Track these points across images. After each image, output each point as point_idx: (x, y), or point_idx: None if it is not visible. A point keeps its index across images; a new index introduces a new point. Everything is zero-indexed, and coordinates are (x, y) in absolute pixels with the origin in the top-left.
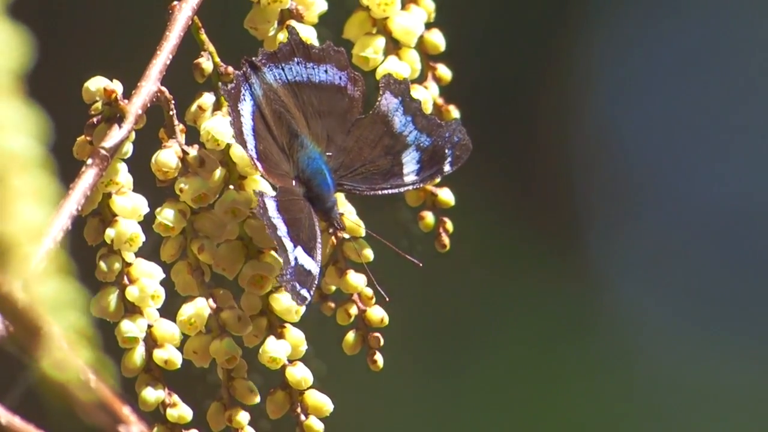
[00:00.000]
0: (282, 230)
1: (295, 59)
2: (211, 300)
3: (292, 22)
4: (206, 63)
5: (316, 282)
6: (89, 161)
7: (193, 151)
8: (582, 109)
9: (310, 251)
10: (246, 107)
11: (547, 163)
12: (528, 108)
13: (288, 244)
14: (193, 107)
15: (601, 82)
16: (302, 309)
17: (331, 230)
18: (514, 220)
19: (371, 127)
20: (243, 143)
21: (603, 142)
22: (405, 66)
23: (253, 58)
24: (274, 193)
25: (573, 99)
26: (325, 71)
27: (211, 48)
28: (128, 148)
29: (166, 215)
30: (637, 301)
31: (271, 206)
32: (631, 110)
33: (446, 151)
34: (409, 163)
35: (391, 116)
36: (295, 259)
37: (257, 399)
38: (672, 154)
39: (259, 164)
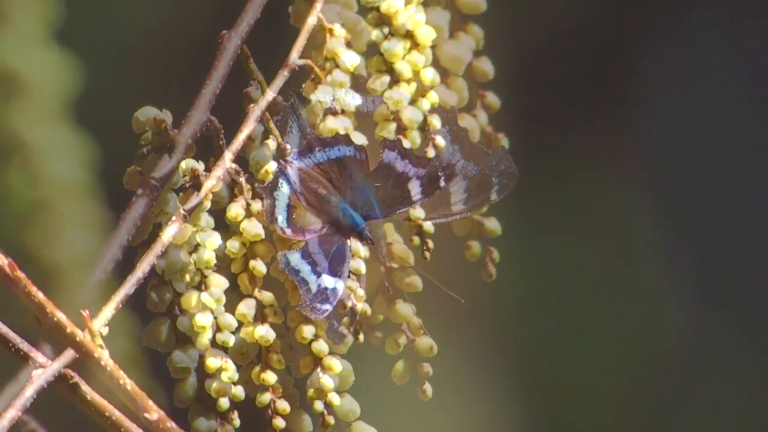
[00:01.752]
0: (304, 270)
1: (316, 149)
2: (270, 356)
3: (309, 130)
4: (255, 92)
5: (339, 294)
6: (139, 191)
7: (255, 204)
8: (635, 137)
9: (336, 273)
10: (282, 192)
11: (599, 191)
12: (580, 135)
13: (310, 278)
14: (263, 170)
15: (654, 112)
16: (350, 341)
17: (379, 260)
18: (566, 247)
19: (383, 174)
20: (274, 221)
21: (657, 173)
22: (453, 94)
23: (286, 158)
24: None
25: (625, 127)
26: (338, 150)
27: (260, 77)
28: (178, 178)
29: (232, 247)
30: (695, 322)
31: (294, 257)
32: (686, 140)
33: (493, 179)
34: (457, 192)
35: (393, 163)
36: (318, 285)
37: (310, 428)
38: (730, 186)
39: (289, 230)
